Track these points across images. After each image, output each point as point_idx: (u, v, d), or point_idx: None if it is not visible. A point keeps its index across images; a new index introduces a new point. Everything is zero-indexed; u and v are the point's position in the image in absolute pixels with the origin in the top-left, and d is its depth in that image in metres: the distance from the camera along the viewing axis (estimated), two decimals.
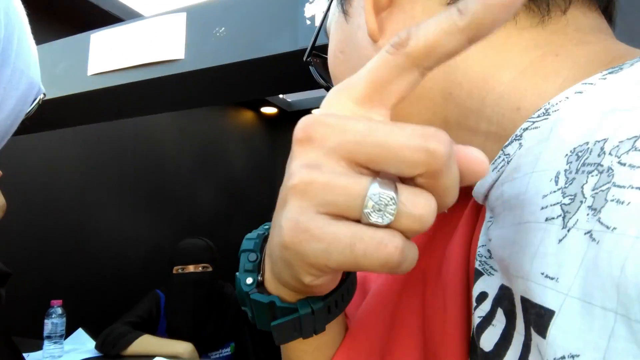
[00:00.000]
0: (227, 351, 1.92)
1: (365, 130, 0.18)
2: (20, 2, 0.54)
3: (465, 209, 0.33)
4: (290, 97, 3.42)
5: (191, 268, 1.83)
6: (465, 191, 0.25)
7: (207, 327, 1.83)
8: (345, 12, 0.33)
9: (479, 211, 0.31)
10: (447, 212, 0.34)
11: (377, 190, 0.18)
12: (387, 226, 0.18)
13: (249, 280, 0.27)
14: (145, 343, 1.54)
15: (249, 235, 0.30)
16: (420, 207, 0.18)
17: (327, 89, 0.41)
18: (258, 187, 3.38)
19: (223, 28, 0.83)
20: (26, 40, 0.54)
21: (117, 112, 1.05)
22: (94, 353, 1.54)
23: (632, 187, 0.16)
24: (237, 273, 0.28)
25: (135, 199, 2.40)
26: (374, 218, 0.18)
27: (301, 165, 0.19)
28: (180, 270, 1.82)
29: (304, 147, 0.20)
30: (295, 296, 0.25)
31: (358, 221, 0.19)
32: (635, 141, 0.17)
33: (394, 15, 0.29)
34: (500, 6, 0.17)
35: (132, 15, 2.15)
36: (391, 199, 0.18)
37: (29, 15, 0.54)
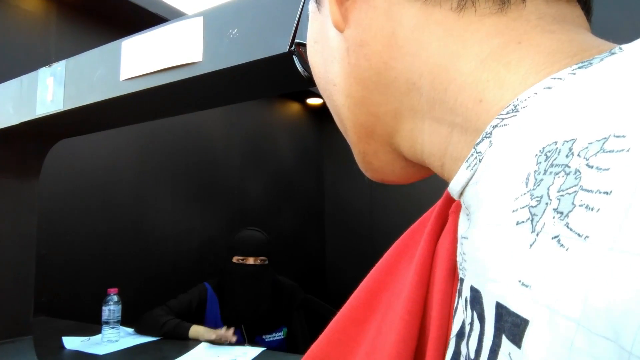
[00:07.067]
0: (280, 335, 2.01)
1: None
2: None
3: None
4: None
5: (251, 260, 1.87)
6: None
7: (261, 312, 1.90)
8: (317, 1, 0.33)
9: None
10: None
11: None
12: None
13: None
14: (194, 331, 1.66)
15: None
16: None
17: (308, 79, 0.41)
18: (305, 177, 3.42)
19: (236, 30, 0.85)
20: None
21: (147, 114, 1.11)
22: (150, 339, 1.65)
23: (601, 192, 0.15)
24: None
25: (188, 193, 2.52)
26: None
27: None
28: (240, 261, 1.87)
29: None
30: None
31: None
32: (604, 143, 0.16)
33: (357, 5, 0.29)
34: None
35: (177, 15, 2.23)
36: None
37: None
